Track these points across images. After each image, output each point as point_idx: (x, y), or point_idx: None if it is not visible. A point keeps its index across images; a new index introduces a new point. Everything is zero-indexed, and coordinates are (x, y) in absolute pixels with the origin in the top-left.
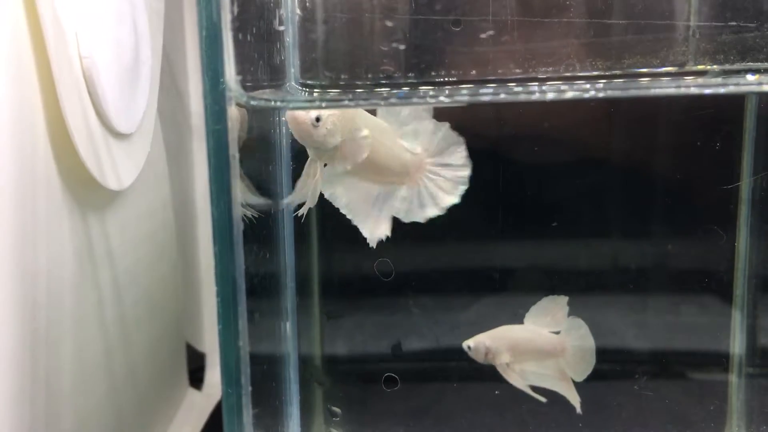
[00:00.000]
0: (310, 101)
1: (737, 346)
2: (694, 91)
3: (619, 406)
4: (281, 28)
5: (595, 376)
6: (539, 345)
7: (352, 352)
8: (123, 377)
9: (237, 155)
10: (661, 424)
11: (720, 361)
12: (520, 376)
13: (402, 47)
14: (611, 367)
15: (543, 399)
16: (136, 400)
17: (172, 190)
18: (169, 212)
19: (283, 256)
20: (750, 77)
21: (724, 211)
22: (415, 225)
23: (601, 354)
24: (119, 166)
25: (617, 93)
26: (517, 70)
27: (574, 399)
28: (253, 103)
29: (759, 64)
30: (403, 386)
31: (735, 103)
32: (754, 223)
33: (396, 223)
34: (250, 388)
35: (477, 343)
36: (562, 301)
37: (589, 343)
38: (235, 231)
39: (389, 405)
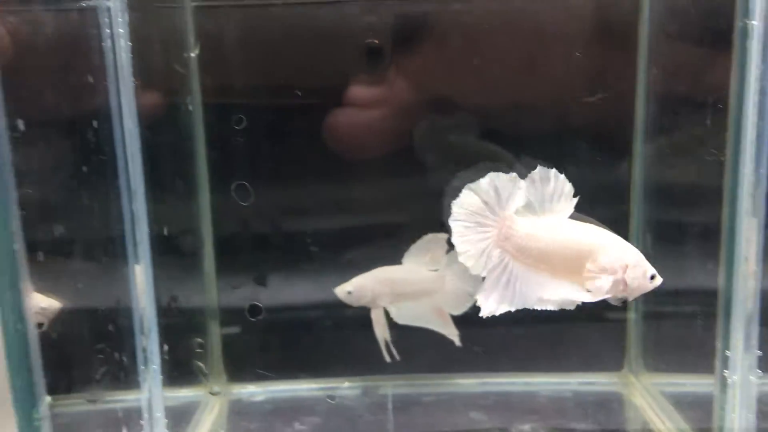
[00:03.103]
0: None
1: None
2: None
3: (523, 345)
4: None
5: (498, 316)
6: (418, 284)
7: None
8: None
9: None
10: (565, 360)
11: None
12: (397, 317)
13: None
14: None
15: (391, 358)
16: None
17: None
18: None
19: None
20: None
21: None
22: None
23: None
24: None
25: None
26: None
27: (452, 333)
28: None
29: None
30: (285, 335)
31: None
32: (645, 152)
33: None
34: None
35: (357, 287)
36: (442, 238)
37: (471, 275)
38: None
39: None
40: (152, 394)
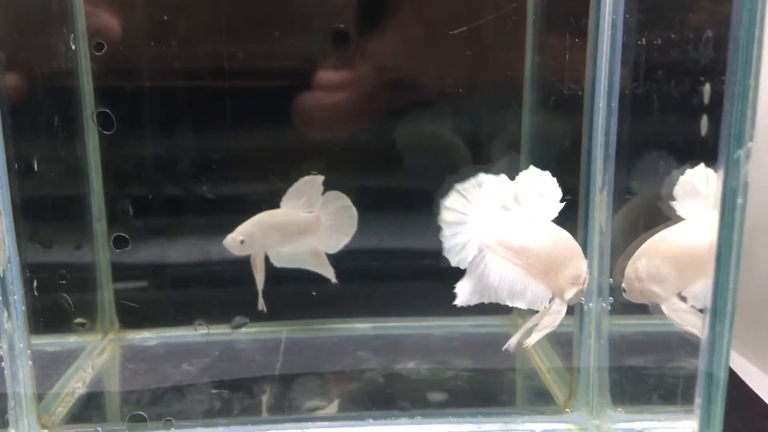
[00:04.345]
0: None
1: None
2: None
3: (419, 292)
4: None
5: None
6: (297, 226)
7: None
8: None
9: None
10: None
11: None
12: (276, 260)
13: None
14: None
15: (263, 308)
16: None
17: None
18: None
19: None
20: None
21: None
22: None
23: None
24: None
25: None
26: None
27: (329, 273)
28: None
29: None
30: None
31: None
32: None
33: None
34: None
35: (247, 234)
36: (317, 180)
37: (346, 214)
38: None
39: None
40: (13, 325)
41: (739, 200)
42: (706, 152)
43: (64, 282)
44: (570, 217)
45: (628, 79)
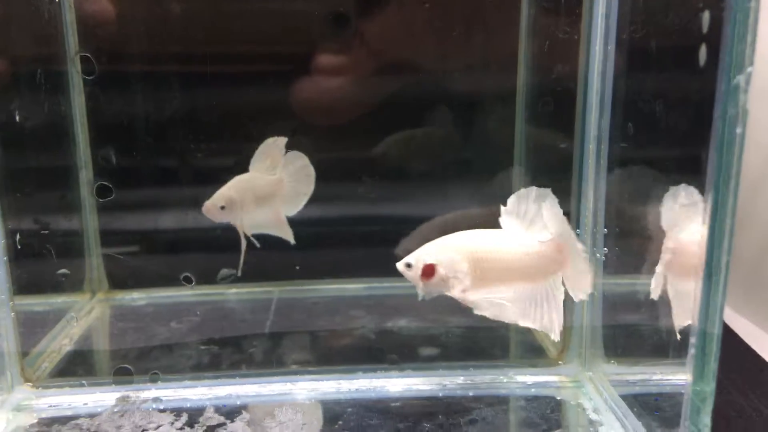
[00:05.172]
0: None
1: None
2: None
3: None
4: None
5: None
6: (265, 189)
7: None
8: None
9: None
10: None
11: None
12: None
13: None
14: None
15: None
16: None
17: None
18: None
19: None
20: None
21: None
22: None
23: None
24: None
25: None
26: None
27: (288, 234)
28: None
29: None
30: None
31: None
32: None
33: None
34: None
35: (227, 199)
36: (281, 142)
37: (304, 173)
38: None
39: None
40: None
41: (738, 129)
42: (704, 86)
43: (46, 232)
44: (565, 167)
45: (627, 18)
